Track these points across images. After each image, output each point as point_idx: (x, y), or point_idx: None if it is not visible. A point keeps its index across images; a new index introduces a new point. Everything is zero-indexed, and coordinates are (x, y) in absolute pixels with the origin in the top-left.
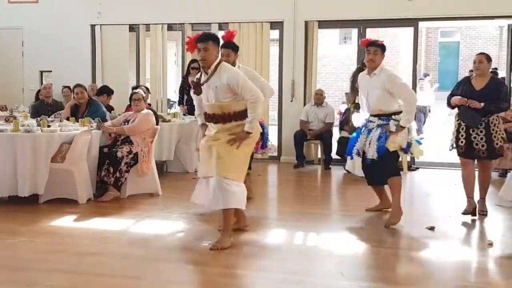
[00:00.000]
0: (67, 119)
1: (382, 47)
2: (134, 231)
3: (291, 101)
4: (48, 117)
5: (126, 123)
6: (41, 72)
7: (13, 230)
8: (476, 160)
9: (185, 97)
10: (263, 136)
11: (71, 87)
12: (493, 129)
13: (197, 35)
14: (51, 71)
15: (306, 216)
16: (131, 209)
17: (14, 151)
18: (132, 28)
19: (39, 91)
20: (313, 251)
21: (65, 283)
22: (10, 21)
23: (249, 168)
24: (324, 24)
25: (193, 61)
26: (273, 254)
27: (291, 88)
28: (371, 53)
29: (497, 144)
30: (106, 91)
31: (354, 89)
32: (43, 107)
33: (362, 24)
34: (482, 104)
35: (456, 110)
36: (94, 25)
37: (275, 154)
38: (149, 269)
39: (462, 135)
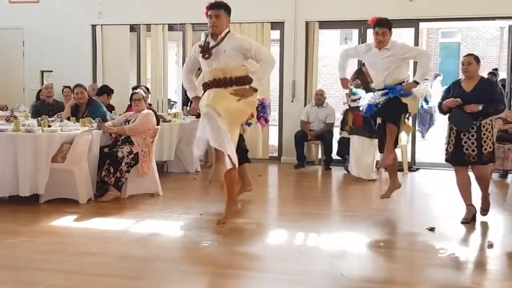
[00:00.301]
0: (68, 119)
1: (389, 27)
2: (134, 231)
3: (292, 101)
4: (49, 117)
5: (126, 123)
6: (42, 72)
7: (13, 230)
8: (469, 165)
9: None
10: (264, 111)
11: (72, 87)
12: (484, 134)
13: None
14: (51, 71)
15: (307, 217)
16: (132, 209)
17: (14, 151)
18: (133, 28)
19: (39, 91)
20: (314, 252)
21: (65, 283)
22: (11, 21)
23: (248, 160)
24: (325, 24)
25: None
26: (273, 254)
27: (291, 89)
28: (380, 35)
29: (485, 149)
30: (106, 90)
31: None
32: (44, 107)
33: (362, 25)
34: (480, 107)
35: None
36: (95, 25)
37: (276, 154)
38: (149, 269)
39: (452, 140)
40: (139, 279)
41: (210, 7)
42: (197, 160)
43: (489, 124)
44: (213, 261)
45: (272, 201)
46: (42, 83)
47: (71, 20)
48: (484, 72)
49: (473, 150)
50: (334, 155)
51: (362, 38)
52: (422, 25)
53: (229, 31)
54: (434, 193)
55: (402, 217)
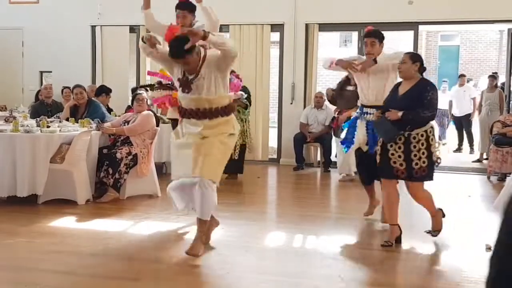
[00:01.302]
0: (67, 119)
1: (379, 37)
2: (132, 233)
3: (291, 103)
4: (48, 117)
5: (125, 124)
6: (41, 72)
7: (11, 231)
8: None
9: None
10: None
11: (70, 88)
12: (414, 146)
13: (170, 31)
14: (51, 72)
15: (305, 219)
16: (130, 210)
17: (13, 151)
18: (133, 29)
19: (38, 91)
20: (312, 254)
21: (63, 284)
22: (10, 21)
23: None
24: (325, 27)
25: None
26: (272, 256)
27: (291, 91)
28: (369, 45)
29: (416, 164)
30: (104, 90)
31: (342, 97)
32: (43, 108)
33: (362, 27)
34: (400, 113)
35: None
36: (95, 26)
37: (275, 156)
38: (147, 270)
39: (378, 149)
40: (138, 280)
41: (172, 55)
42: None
43: (423, 136)
44: (212, 263)
45: (271, 203)
46: (41, 84)
47: (70, 21)
48: (483, 75)
49: (401, 164)
50: (333, 157)
51: (362, 41)
52: (421, 28)
53: (204, 55)
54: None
55: (401, 219)
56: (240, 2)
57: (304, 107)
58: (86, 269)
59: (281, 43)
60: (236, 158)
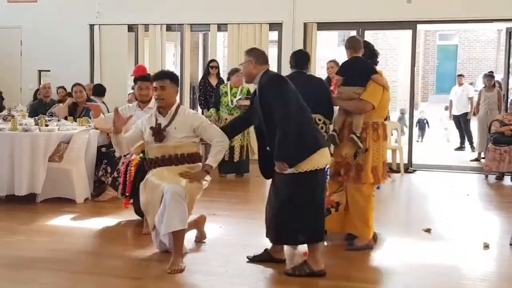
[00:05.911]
0: (65, 118)
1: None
2: (131, 231)
3: None
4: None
5: None
6: (40, 71)
7: (10, 229)
8: None
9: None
10: None
11: (65, 87)
12: None
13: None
14: (49, 71)
15: None
16: (129, 209)
17: (12, 150)
18: (131, 28)
19: (37, 90)
20: None
21: (62, 282)
22: (9, 20)
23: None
24: (323, 26)
25: (211, 60)
26: None
27: None
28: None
29: None
30: (98, 93)
31: None
32: (41, 107)
33: (361, 26)
34: None
35: None
36: (93, 24)
37: None
38: (146, 269)
39: None
40: (137, 279)
41: (154, 78)
42: None
43: None
44: (211, 261)
45: None
46: (40, 83)
47: (69, 20)
48: (481, 75)
49: None
50: None
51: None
52: (419, 27)
53: (179, 105)
54: (431, 194)
55: (399, 218)
56: (238, 1)
57: None
58: (85, 267)
59: (279, 42)
60: (236, 160)
